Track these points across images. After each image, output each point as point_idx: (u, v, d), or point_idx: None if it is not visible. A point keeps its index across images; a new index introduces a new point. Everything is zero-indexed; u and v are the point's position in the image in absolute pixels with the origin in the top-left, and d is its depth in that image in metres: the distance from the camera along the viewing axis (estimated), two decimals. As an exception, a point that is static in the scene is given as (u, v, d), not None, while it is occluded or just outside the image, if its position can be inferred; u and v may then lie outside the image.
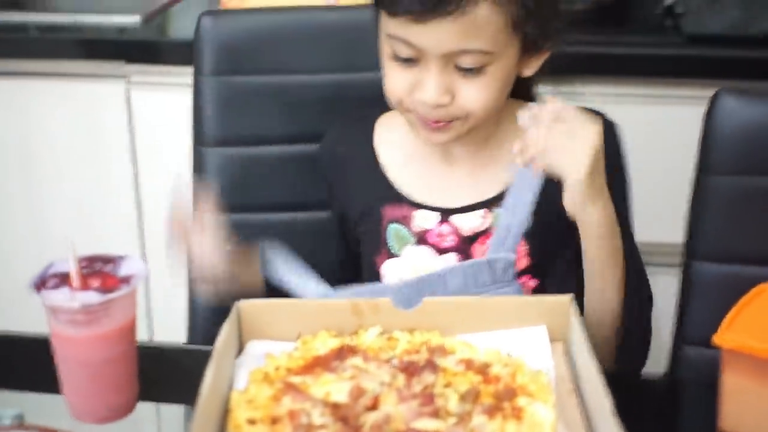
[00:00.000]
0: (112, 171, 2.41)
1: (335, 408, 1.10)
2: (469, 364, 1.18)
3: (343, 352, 1.20)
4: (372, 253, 1.51)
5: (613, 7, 2.39)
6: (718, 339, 1.18)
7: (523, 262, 1.43)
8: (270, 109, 1.67)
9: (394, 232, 1.49)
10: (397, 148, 1.52)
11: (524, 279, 1.44)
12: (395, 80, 1.38)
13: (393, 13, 1.32)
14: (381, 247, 1.50)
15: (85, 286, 1.19)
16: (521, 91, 1.48)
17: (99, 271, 1.22)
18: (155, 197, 2.37)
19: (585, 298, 1.37)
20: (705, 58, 2.08)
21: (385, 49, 1.38)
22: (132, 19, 2.36)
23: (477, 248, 1.45)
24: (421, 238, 1.47)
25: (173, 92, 2.24)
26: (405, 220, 1.48)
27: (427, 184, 1.49)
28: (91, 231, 2.41)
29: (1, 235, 2.53)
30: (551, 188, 1.36)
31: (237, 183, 1.73)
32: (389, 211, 1.49)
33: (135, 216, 2.42)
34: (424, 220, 1.47)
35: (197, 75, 1.72)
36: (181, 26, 2.39)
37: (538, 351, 1.22)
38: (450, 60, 1.33)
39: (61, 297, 1.18)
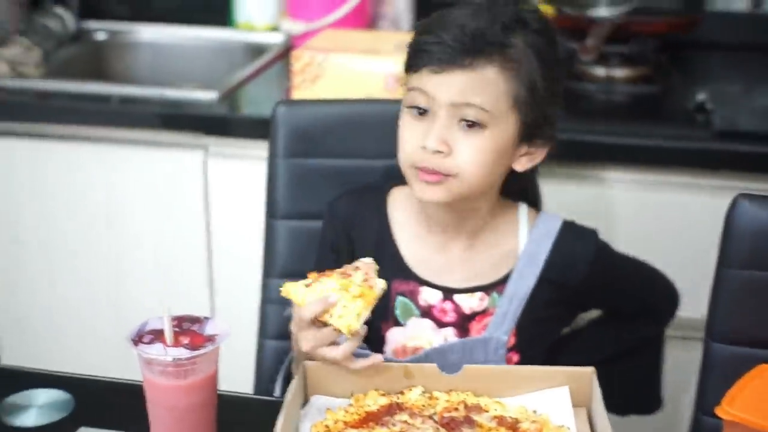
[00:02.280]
0: (187, 234, 2.53)
1: (389, 457, 1.28)
2: (501, 421, 1.36)
3: (391, 409, 1.38)
4: (379, 318, 1.59)
5: (647, 101, 2.55)
6: (719, 411, 1.32)
7: (511, 341, 1.59)
8: (334, 189, 1.79)
9: (401, 304, 1.61)
10: (407, 226, 1.64)
11: (510, 354, 1.60)
12: (407, 132, 1.52)
13: (416, 69, 1.50)
14: (388, 315, 1.62)
15: (176, 343, 1.35)
16: (516, 190, 1.65)
17: (188, 329, 1.38)
18: (226, 259, 2.52)
19: None
20: (732, 153, 2.18)
21: (404, 105, 1.54)
22: (209, 95, 2.50)
23: (474, 325, 1.60)
24: (426, 312, 1.60)
25: (247, 163, 2.38)
26: (412, 295, 1.61)
27: (431, 262, 1.62)
28: (165, 289, 2.52)
29: (85, 288, 2.65)
30: (544, 287, 1.58)
31: (303, 252, 1.86)
32: (398, 284, 1.61)
33: (206, 278, 2.53)
34: (429, 296, 1.60)
35: (272, 157, 1.87)
36: (254, 102, 2.57)
37: (561, 409, 1.39)
38: (455, 113, 1.48)
39: (155, 351, 1.34)
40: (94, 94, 2.59)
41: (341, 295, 1.40)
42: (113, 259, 2.62)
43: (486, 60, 1.48)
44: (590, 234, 1.66)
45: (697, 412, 1.65)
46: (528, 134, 1.54)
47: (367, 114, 1.89)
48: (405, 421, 1.35)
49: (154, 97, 2.55)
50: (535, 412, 1.39)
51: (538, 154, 1.58)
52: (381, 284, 1.43)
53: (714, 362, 1.63)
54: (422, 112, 1.51)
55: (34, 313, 2.71)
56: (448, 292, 1.60)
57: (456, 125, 1.49)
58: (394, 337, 1.62)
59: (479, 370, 1.44)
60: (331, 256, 1.66)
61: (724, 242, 1.61)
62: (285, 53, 2.77)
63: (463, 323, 1.60)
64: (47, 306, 2.70)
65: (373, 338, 1.61)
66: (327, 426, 1.35)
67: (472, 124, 1.49)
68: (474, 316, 1.60)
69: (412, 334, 1.61)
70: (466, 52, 1.47)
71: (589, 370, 1.43)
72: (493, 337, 1.58)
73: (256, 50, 2.88)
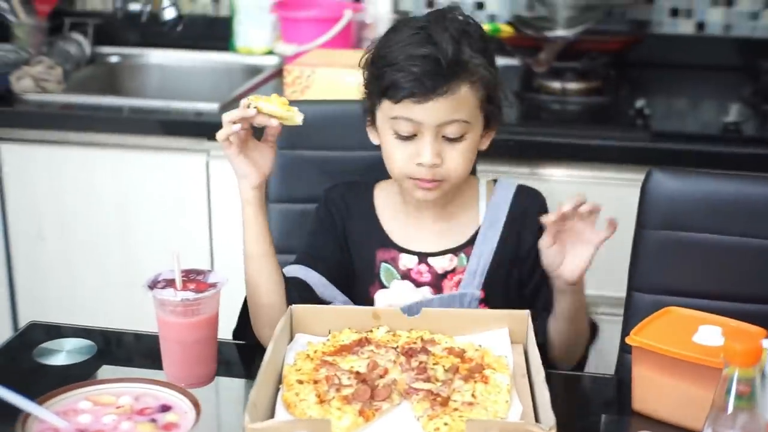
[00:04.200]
0: (192, 228, 2.75)
1: (358, 375, 1.53)
2: (450, 350, 1.61)
3: (361, 342, 1.63)
4: (366, 283, 1.87)
5: (597, 109, 2.82)
6: (628, 339, 1.58)
7: (480, 295, 1.84)
8: (318, 176, 2.07)
9: (385, 269, 1.86)
10: (389, 207, 1.89)
11: (481, 306, 1.83)
12: (398, 155, 1.75)
13: (398, 100, 1.70)
14: (374, 279, 1.87)
15: (184, 288, 1.61)
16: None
17: (194, 279, 1.64)
18: (226, 248, 2.73)
19: (554, 333, 1.80)
20: (664, 150, 2.45)
21: (386, 131, 1.76)
22: (211, 106, 2.75)
23: (446, 283, 1.85)
24: (405, 275, 1.85)
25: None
26: (393, 261, 1.86)
27: (408, 234, 1.87)
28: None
29: (100, 276, 2.88)
30: (506, 247, 1.83)
31: (291, 230, 2.12)
32: (381, 253, 1.87)
33: (208, 264, 2.76)
34: (407, 261, 1.86)
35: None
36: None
37: (501, 344, 1.64)
38: (440, 130, 1.71)
39: (167, 294, 1.60)
40: (109, 106, 2.84)
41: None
42: (126, 251, 2.84)
43: (457, 82, 1.70)
44: (537, 194, 1.91)
45: (621, 352, 1.91)
46: (488, 122, 1.79)
47: (345, 112, 2.14)
48: (372, 351, 1.60)
49: (162, 109, 2.79)
50: (480, 346, 1.63)
51: (492, 131, 1.83)
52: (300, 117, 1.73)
53: (634, 308, 1.90)
54: (407, 137, 1.74)
55: (55, 297, 2.93)
56: (423, 256, 1.85)
57: (441, 139, 1.73)
58: (381, 297, 1.86)
59: (434, 313, 1.69)
60: (324, 232, 1.92)
61: (641, 207, 1.89)
62: (279, 72, 3.00)
63: (437, 282, 1.85)
64: (68, 294, 2.92)
65: (363, 300, 1.87)
66: (308, 354, 1.60)
67: (454, 138, 1.73)
68: (446, 274, 1.85)
69: (395, 294, 1.86)
70: (441, 81, 1.69)
71: (525, 313, 1.67)
72: (467, 292, 1.83)
73: (254, 70, 3.14)
